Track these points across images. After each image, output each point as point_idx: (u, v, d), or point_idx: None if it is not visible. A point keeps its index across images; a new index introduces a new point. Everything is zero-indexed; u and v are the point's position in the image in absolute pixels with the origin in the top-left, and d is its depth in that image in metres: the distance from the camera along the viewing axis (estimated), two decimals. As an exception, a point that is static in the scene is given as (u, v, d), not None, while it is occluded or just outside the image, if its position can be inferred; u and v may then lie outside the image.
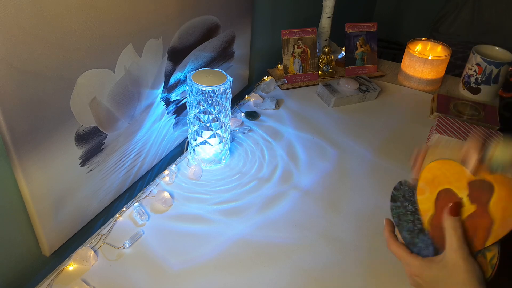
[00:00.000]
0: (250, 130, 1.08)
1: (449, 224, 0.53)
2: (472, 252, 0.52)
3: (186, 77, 0.95)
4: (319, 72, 1.32)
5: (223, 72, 0.88)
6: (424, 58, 1.28)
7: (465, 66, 1.30)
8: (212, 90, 0.84)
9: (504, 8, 2.02)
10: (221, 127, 0.90)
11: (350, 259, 0.77)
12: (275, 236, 0.80)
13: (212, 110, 0.86)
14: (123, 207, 0.83)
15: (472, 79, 1.27)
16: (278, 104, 1.19)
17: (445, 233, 0.53)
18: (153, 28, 0.80)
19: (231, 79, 0.87)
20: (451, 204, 0.54)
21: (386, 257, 0.76)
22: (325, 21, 1.35)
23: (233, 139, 1.04)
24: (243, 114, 1.13)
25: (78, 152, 0.72)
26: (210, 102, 0.85)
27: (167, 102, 0.93)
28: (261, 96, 1.20)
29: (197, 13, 0.91)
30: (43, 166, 0.66)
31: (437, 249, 0.55)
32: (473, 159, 0.52)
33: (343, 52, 1.44)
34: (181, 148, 1.04)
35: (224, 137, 0.92)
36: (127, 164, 0.86)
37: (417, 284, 0.56)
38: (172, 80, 0.92)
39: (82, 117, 0.70)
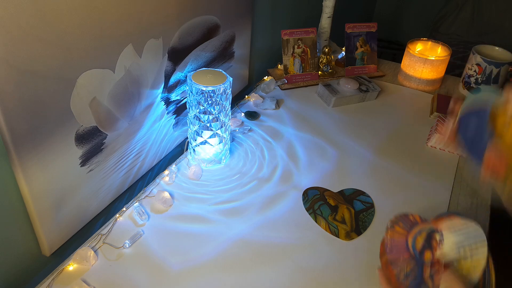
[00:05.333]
0: (250, 130, 1.08)
1: (445, 280, 0.54)
2: None
3: (186, 77, 0.95)
4: (319, 72, 1.32)
5: (223, 72, 0.88)
6: (424, 58, 1.28)
7: (465, 66, 1.30)
8: (212, 90, 0.84)
9: (504, 8, 2.02)
10: (221, 127, 0.90)
11: (350, 259, 0.77)
12: (275, 236, 0.80)
13: (212, 110, 0.86)
14: (123, 207, 0.83)
15: (472, 79, 1.27)
16: (278, 104, 1.19)
17: None
18: (153, 28, 0.80)
19: (231, 79, 0.87)
20: (435, 265, 0.56)
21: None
22: (325, 21, 1.35)
23: (233, 139, 1.04)
24: (243, 114, 1.13)
25: (78, 152, 0.72)
26: (210, 102, 0.85)
27: (167, 102, 0.93)
28: (261, 96, 1.20)
29: (197, 13, 0.91)
30: (43, 166, 0.66)
31: None
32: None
33: (343, 52, 1.44)
34: (181, 148, 1.04)
35: (224, 137, 0.92)
36: (127, 164, 0.86)
37: None
38: (172, 80, 0.92)
39: (82, 117, 0.70)
